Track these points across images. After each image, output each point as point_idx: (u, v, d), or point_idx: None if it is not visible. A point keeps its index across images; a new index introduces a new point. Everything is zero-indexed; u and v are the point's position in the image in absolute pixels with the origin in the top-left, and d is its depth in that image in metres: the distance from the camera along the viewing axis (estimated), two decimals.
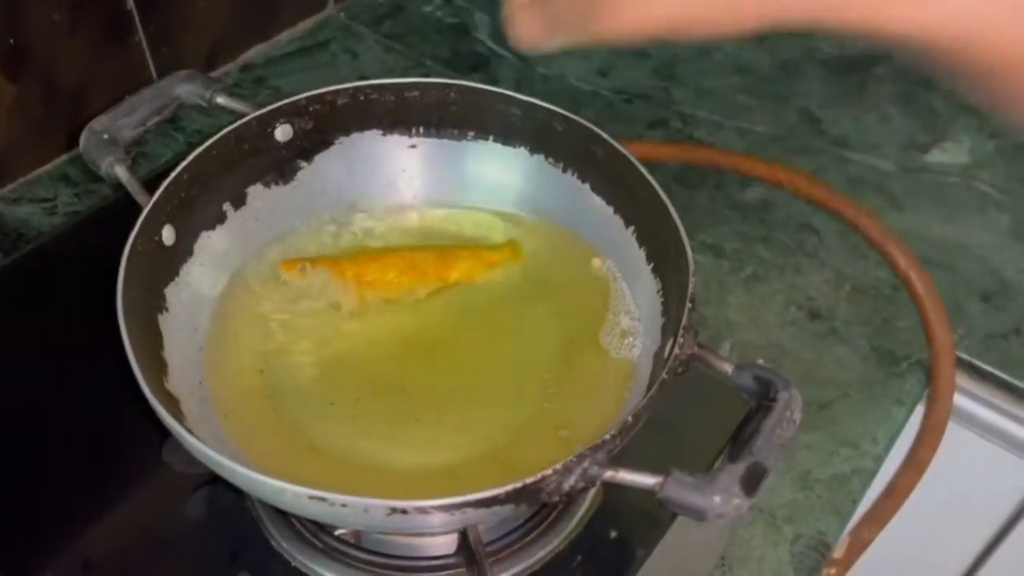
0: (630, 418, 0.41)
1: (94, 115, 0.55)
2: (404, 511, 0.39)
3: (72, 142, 0.76)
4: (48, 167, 0.77)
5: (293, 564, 0.50)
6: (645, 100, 0.88)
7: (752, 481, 0.39)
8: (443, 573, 0.49)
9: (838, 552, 0.71)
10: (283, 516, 0.51)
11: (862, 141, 0.85)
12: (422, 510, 0.39)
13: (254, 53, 0.91)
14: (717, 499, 0.38)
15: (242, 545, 0.51)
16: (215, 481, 0.42)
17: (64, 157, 0.78)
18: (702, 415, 0.56)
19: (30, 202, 0.75)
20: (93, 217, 0.71)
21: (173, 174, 0.50)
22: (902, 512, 0.70)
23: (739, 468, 0.39)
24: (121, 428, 0.55)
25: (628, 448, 0.42)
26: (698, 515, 0.38)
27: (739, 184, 0.80)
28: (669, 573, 0.54)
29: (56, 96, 0.75)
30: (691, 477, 0.39)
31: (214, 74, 0.88)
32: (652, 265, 0.53)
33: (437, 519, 0.40)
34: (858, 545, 0.71)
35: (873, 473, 0.63)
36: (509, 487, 0.39)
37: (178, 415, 0.44)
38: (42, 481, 0.54)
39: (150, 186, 0.51)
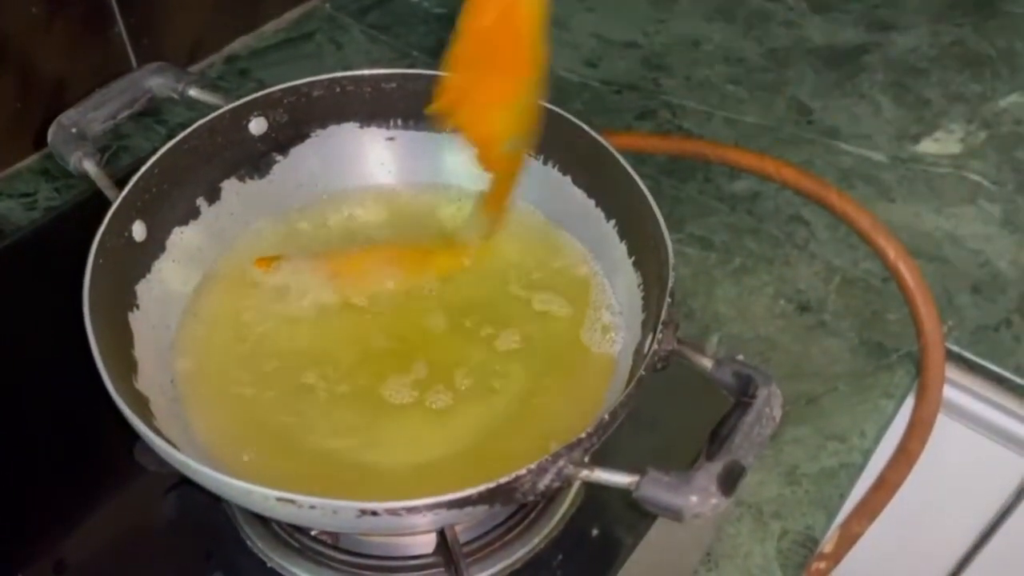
0: (606, 416, 0.40)
1: None
2: (375, 512, 0.38)
3: None
4: (28, 161, 0.76)
5: (269, 565, 0.49)
6: (634, 91, 0.87)
7: (730, 480, 0.38)
8: (421, 573, 0.49)
9: (828, 546, 0.70)
10: (259, 516, 0.50)
11: (852, 131, 0.84)
12: (393, 511, 0.38)
13: (238, 45, 0.89)
14: (694, 499, 0.37)
15: (217, 545, 0.50)
16: (189, 481, 0.42)
17: (43, 152, 0.77)
18: (687, 411, 0.55)
19: (9, 197, 0.74)
20: (71, 211, 0.70)
21: (143, 168, 0.49)
22: (892, 505, 0.70)
23: (716, 467, 0.38)
24: (97, 427, 0.54)
25: (610, 445, 0.42)
26: (675, 515, 0.38)
27: (728, 176, 0.79)
28: (652, 571, 0.53)
29: (34, 90, 0.74)
30: (667, 476, 0.38)
31: (197, 66, 0.87)
32: (633, 259, 0.52)
33: (409, 520, 0.39)
34: (848, 539, 0.71)
35: (861, 467, 0.62)
36: (482, 487, 0.38)
37: (147, 415, 0.43)
38: (14, 480, 0.53)
39: (127, 181, 0.49)
